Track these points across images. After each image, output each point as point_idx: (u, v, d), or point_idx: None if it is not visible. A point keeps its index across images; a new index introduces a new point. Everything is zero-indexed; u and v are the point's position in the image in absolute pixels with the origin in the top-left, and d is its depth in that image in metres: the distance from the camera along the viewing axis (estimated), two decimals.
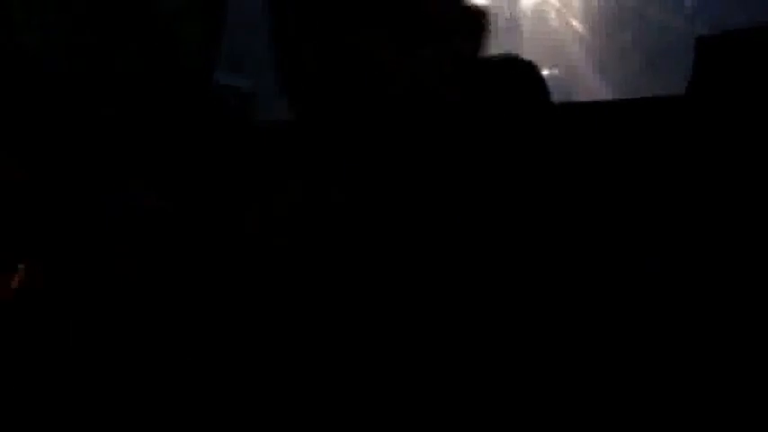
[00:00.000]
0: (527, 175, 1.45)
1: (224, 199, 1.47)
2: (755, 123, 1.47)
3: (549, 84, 1.50)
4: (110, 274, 1.43)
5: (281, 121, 1.48)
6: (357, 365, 1.39)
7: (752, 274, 1.45)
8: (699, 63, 1.49)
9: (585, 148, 1.50)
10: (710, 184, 1.47)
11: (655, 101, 1.58)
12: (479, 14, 1.39)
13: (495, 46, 1.51)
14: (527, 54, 1.55)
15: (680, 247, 1.46)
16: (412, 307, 1.39)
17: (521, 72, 1.58)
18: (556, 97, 1.53)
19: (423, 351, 1.39)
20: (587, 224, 1.44)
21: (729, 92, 1.47)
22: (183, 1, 1.51)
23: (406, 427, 1.39)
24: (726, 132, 1.48)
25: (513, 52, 1.56)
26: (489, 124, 1.48)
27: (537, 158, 1.46)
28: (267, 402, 1.38)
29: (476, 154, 1.44)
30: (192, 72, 1.50)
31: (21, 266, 1.39)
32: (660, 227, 1.46)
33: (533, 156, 1.46)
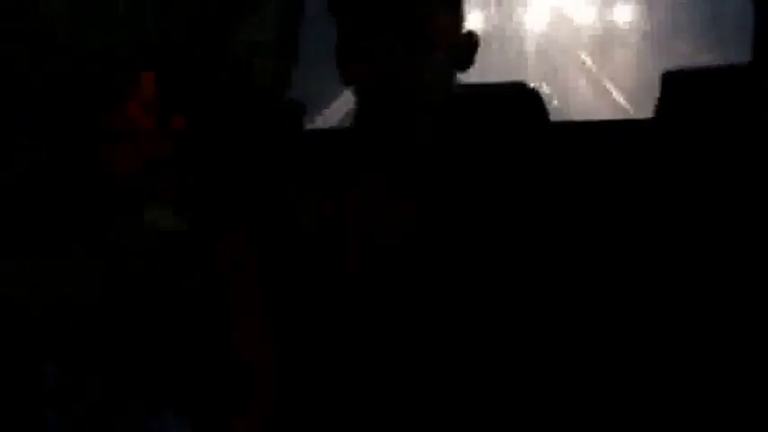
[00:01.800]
0: (524, 182, 1.60)
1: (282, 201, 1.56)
2: (709, 144, 1.77)
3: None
4: None
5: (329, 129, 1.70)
6: (363, 365, 1.49)
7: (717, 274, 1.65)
8: (663, 94, 1.81)
9: (572, 160, 1.77)
10: (671, 197, 1.71)
11: (629, 122, 1.88)
12: (472, 35, 1.57)
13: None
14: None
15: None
16: (420, 308, 1.50)
17: (527, 95, 1.90)
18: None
19: (428, 351, 1.49)
20: (574, 226, 1.58)
21: (688, 119, 1.78)
22: (259, 36, 1.80)
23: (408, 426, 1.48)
24: (685, 150, 1.78)
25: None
26: (496, 137, 1.74)
27: (533, 167, 1.62)
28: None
29: (482, 163, 1.60)
30: (263, 93, 1.78)
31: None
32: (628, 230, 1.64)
33: (531, 164, 1.63)
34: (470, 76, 1.64)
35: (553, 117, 1.87)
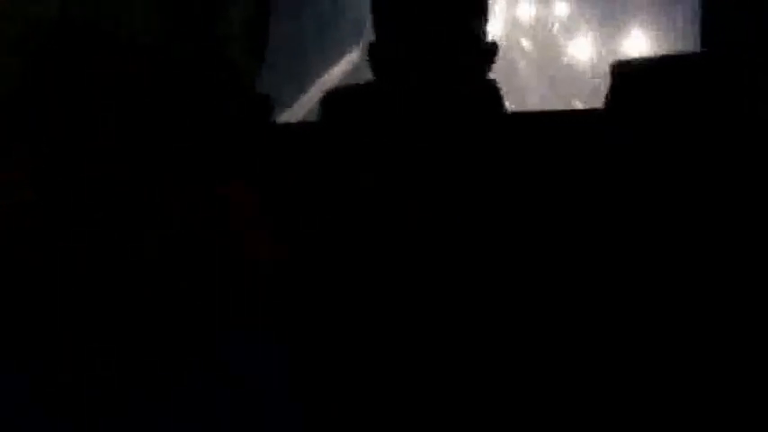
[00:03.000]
0: (480, 174, 1.68)
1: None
2: (659, 132, 1.84)
3: None
4: None
5: (298, 123, 1.71)
6: (356, 362, 1.52)
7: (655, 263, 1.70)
8: (613, 84, 1.87)
9: (527, 150, 1.81)
10: (621, 188, 1.79)
11: (580, 113, 1.95)
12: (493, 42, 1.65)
13: None
14: None
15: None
16: (410, 304, 1.54)
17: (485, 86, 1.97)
18: None
19: (421, 349, 1.52)
20: (525, 217, 1.66)
21: (638, 107, 1.85)
22: (234, 27, 1.85)
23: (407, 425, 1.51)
24: (636, 139, 1.86)
25: None
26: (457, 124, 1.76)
27: (489, 158, 1.71)
28: None
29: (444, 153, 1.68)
30: (237, 83, 1.83)
31: None
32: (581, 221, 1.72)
33: (486, 156, 1.72)
34: None
35: None
